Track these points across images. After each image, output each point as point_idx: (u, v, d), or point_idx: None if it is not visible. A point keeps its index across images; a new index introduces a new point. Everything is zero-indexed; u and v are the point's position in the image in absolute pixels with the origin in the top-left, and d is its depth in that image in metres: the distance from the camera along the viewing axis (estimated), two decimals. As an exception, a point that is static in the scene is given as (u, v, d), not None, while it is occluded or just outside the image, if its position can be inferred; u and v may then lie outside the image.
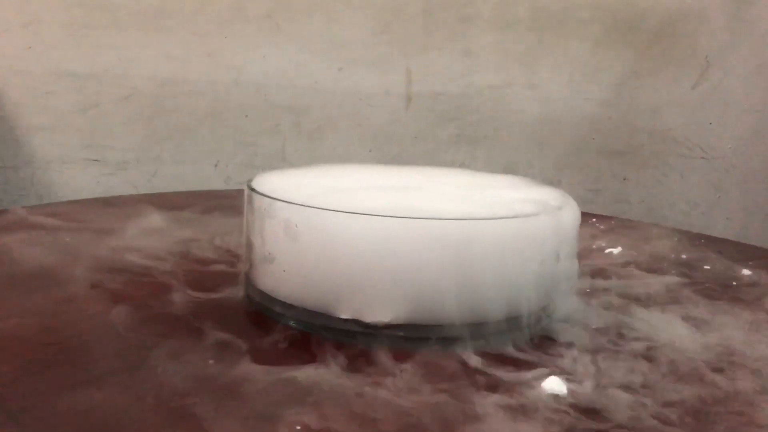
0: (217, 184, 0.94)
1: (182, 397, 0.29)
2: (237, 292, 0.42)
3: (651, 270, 0.52)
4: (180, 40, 0.91)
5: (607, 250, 0.56)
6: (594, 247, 0.58)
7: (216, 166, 0.94)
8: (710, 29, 0.93)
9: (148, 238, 0.53)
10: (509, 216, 0.36)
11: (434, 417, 0.29)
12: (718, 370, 0.35)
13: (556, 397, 0.31)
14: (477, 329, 0.36)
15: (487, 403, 0.30)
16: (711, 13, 0.93)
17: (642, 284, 0.48)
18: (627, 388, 0.32)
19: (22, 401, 0.28)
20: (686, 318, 0.41)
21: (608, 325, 0.40)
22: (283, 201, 0.36)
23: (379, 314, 0.35)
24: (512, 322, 0.37)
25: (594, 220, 0.67)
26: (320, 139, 0.96)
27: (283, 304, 0.38)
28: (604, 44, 0.96)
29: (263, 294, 0.39)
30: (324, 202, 0.36)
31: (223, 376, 0.31)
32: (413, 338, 0.35)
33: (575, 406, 0.30)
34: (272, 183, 0.41)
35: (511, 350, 0.36)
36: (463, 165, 0.99)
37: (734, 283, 0.50)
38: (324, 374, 0.32)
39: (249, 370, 0.32)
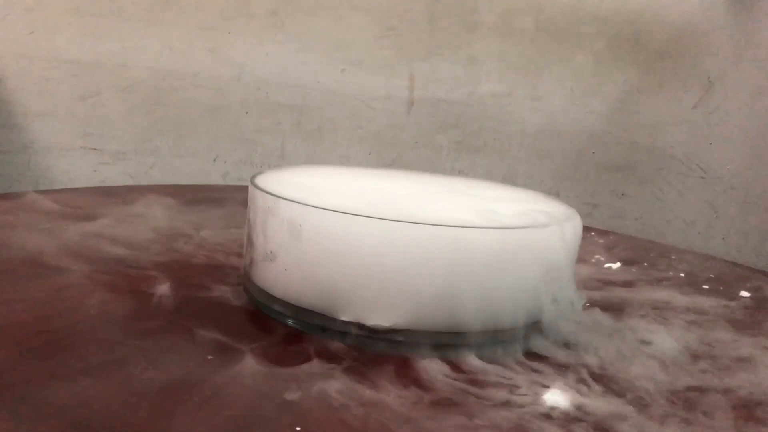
0: (215, 178, 0.93)
1: (176, 392, 0.29)
2: (235, 289, 0.42)
3: (650, 284, 0.52)
4: (183, 33, 0.91)
5: (606, 265, 0.56)
6: (593, 260, 0.58)
7: (215, 161, 0.93)
8: (715, 50, 0.93)
9: (147, 229, 0.53)
10: (514, 227, 0.36)
11: (432, 424, 0.28)
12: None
13: (554, 409, 0.31)
14: (486, 336, 0.35)
15: (489, 415, 0.30)
16: (716, 35, 0.93)
17: (639, 299, 0.48)
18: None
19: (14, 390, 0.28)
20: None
21: (608, 336, 0.40)
22: (288, 200, 0.36)
23: (380, 318, 0.34)
24: (528, 328, 0.37)
25: (593, 233, 0.67)
26: (320, 140, 0.96)
27: (283, 302, 0.37)
28: (608, 59, 0.96)
29: (262, 291, 0.38)
30: (330, 203, 0.35)
31: (219, 371, 0.31)
32: (413, 343, 0.35)
33: (577, 419, 0.30)
34: (276, 181, 0.40)
35: (520, 357, 0.36)
36: (462, 173, 0.99)
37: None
38: (319, 375, 0.32)
39: (245, 366, 0.32)
